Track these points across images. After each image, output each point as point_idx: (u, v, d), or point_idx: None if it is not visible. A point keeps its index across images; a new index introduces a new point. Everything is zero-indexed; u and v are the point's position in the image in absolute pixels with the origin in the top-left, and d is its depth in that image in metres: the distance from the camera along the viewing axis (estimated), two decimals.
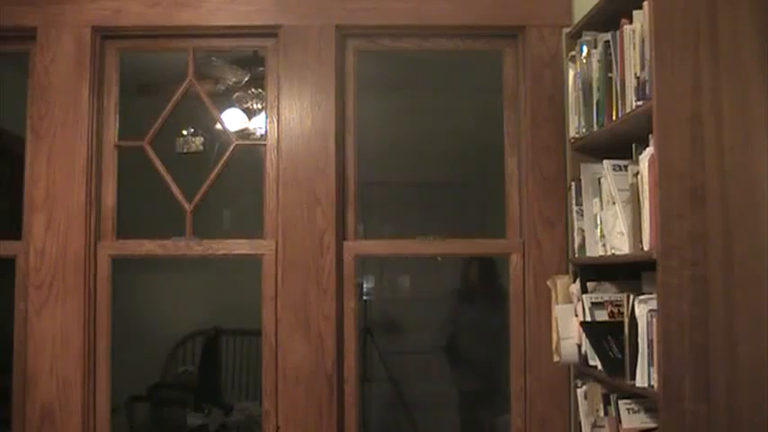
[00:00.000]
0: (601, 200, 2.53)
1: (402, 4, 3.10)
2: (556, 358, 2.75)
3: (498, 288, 4.77)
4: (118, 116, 3.19)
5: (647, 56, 2.12)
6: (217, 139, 4.21)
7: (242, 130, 4.13)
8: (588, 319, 2.51)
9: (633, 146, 2.28)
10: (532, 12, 3.09)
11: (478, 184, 5.67)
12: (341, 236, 3.09)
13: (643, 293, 2.22)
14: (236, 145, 3.27)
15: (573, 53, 2.73)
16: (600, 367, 2.42)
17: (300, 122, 3.08)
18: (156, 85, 3.83)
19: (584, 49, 2.62)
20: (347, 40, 3.19)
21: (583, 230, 2.67)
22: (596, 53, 2.54)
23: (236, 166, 3.29)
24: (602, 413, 2.51)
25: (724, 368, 1.98)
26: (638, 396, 2.26)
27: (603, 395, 2.50)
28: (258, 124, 4.13)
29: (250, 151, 3.75)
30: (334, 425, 2.97)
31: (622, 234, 2.32)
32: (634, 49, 2.24)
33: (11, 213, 3.23)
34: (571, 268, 2.79)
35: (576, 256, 2.72)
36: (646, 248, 2.14)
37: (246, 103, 4.26)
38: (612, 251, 2.42)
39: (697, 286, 1.99)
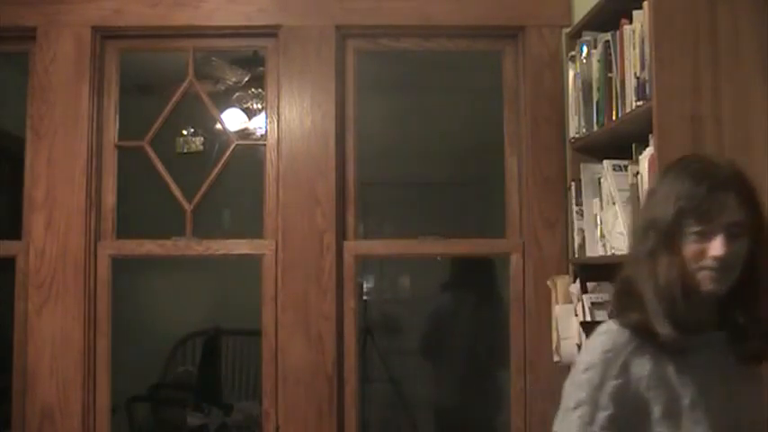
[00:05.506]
0: (601, 200, 2.53)
1: (402, 3, 3.10)
2: (556, 358, 2.76)
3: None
4: (118, 116, 3.18)
5: (647, 56, 2.12)
6: (217, 139, 4.22)
7: (242, 130, 4.14)
8: (588, 319, 2.51)
9: (633, 146, 2.28)
10: (532, 12, 3.09)
11: (478, 184, 5.66)
12: (341, 236, 3.09)
13: None
14: (236, 145, 3.27)
15: (573, 53, 2.74)
16: None
17: (300, 122, 3.08)
18: (156, 85, 3.83)
19: (584, 49, 2.62)
20: (347, 40, 3.18)
21: (583, 230, 2.67)
22: (596, 53, 2.54)
23: (236, 166, 3.29)
24: None
25: None
26: None
27: None
28: (258, 124, 4.13)
29: (250, 151, 3.75)
30: (334, 425, 2.96)
31: (622, 234, 2.32)
32: (634, 49, 2.24)
33: (11, 213, 3.23)
34: (571, 268, 2.79)
35: (576, 256, 2.72)
36: None
37: (246, 103, 4.27)
38: (612, 251, 2.42)
39: None
